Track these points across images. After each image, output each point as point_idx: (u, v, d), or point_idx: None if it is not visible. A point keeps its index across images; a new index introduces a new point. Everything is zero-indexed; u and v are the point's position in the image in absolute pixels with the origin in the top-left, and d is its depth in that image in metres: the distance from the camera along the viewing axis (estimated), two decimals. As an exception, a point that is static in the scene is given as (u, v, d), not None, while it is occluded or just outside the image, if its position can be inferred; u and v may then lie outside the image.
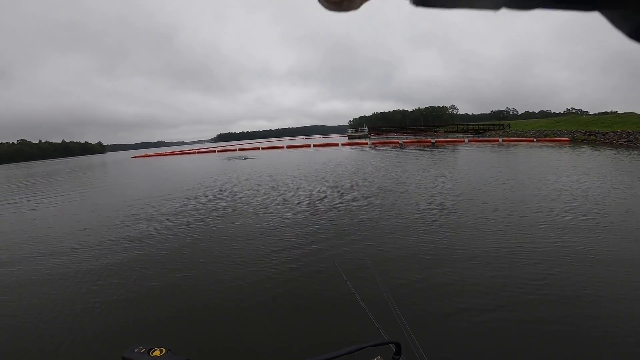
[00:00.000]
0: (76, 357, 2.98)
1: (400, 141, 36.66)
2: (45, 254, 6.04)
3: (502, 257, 4.50)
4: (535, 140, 30.48)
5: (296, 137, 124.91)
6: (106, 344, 3.13)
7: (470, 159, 18.03)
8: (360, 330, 2.95)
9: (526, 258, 4.44)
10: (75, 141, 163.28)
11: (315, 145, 43.65)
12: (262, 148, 46.74)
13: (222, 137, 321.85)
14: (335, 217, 7.17)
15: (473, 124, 61.28)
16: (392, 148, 29.94)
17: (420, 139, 41.36)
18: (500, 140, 31.98)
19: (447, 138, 40.71)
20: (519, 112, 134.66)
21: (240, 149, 48.54)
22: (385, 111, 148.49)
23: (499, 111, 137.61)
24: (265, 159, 28.07)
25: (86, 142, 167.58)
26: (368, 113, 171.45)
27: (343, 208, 7.96)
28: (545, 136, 32.68)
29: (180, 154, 52.50)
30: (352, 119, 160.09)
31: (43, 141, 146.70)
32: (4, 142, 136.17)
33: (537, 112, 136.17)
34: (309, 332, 3.18)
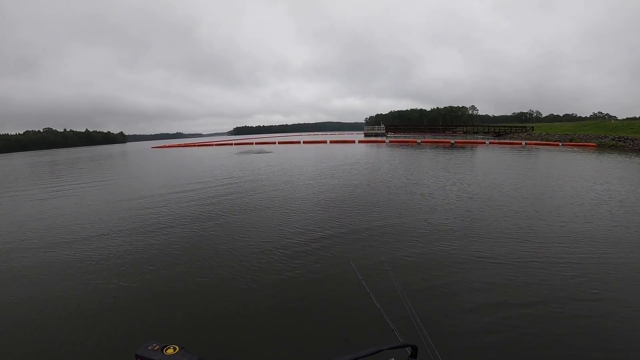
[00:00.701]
0: (89, 354, 2.98)
1: (419, 140, 36.15)
2: (58, 244, 6.14)
3: (532, 269, 4.36)
4: (560, 144, 29.47)
5: (312, 133, 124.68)
6: (120, 341, 3.12)
7: (494, 161, 17.61)
8: (374, 331, 2.80)
9: (559, 271, 4.28)
10: (98, 130, 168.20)
11: (331, 142, 43.58)
12: (279, 143, 47.01)
13: (238, 131, 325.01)
14: (353, 216, 7.14)
15: (494, 126, 59.72)
16: (410, 147, 29.57)
17: (439, 139, 40.64)
18: (523, 143, 31.06)
19: (466, 139, 39.84)
20: (543, 115, 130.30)
21: (256, 143, 48.95)
22: (403, 110, 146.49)
23: (521, 113, 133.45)
24: (282, 154, 28.22)
25: (109, 132, 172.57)
26: (385, 111, 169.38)
27: (361, 207, 7.92)
28: (571, 140, 31.52)
29: (198, 145, 53.42)
30: (368, 117, 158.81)
31: (68, 130, 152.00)
32: (30, 130, 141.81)
33: (561, 115, 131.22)
34: (323, 332, 3.15)
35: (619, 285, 3.82)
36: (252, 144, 48.70)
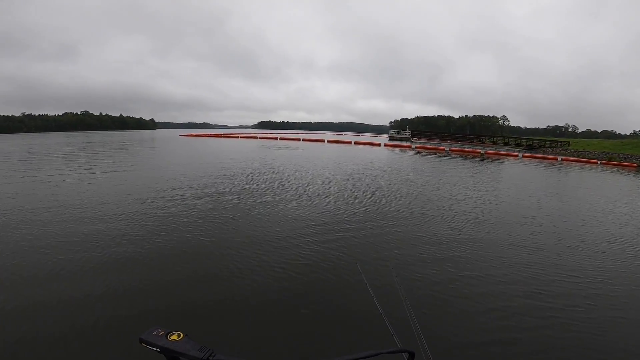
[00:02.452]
0: (95, 337, 3.03)
1: (446, 149, 35.27)
2: (76, 224, 6.38)
3: (542, 289, 4.23)
4: (599, 162, 27.91)
5: (335, 132, 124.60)
6: (125, 325, 3.18)
7: (530, 177, 16.85)
8: (374, 334, 2.93)
9: (572, 294, 4.06)
10: (131, 116, 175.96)
11: (356, 143, 43.31)
12: (303, 140, 47.20)
13: (263, 125, 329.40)
14: (371, 221, 7.09)
15: (526, 138, 57.40)
16: (437, 155, 28.89)
17: (467, 148, 39.47)
18: (559, 159, 29.66)
19: (496, 150, 38.49)
20: (579, 130, 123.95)
21: (281, 138, 49.38)
22: (429, 115, 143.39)
23: (556, 127, 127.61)
24: (307, 151, 28.29)
25: (141, 118, 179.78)
26: (410, 115, 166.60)
27: (381, 213, 7.83)
28: (610, 159, 29.76)
29: (224, 136, 54.47)
30: (393, 120, 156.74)
31: (103, 114, 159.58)
32: (69, 111, 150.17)
33: (599, 131, 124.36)
34: (324, 331, 3.21)
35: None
36: (276, 139, 49.19)
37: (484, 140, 61.72)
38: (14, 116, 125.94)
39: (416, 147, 37.32)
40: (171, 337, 1.02)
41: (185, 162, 17.56)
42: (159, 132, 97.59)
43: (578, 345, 3.14)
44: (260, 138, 50.52)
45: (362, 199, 9.25)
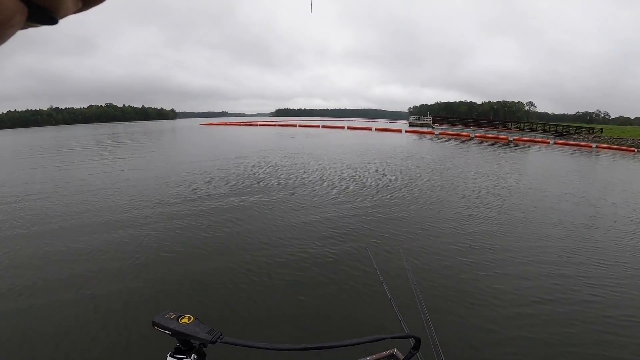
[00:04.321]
0: (109, 320, 3.09)
1: (472, 135, 34.08)
2: (95, 210, 6.62)
3: (560, 284, 3.97)
4: (635, 150, 26.31)
5: (353, 119, 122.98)
6: (139, 308, 3.26)
7: (570, 167, 16.01)
8: (382, 319, 2.98)
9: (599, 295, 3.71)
10: (152, 107, 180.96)
11: (377, 129, 42.57)
12: (322, 127, 46.81)
13: (280, 112, 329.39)
14: (386, 206, 7.01)
15: (555, 124, 54.72)
16: (463, 142, 27.97)
17: (491, 134, 38.02)
18: (593, 146, 28.15)
19: (524, 137, 36.90)
20: (611, 116, 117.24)
21: (300, 125, 49.16)
22: (450, 101, 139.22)
23: (586, 113, 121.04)
24: (327, 138, 28.05)
25: (161, 108, 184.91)
26: (430, 101, 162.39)
27: (400, 199, 7.68)
28: (649, 147, 27.96)
29: (243, 125, 54.77)
30: (412, 106, 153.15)
31: (126, 105, 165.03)
32: (93, 104, 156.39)
33: (632, 117, 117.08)
34: (332, 315, 3.22)
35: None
36: (295, 126, 48.99)
37: (509, 126, 59.36)
38: (42, 110, 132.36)
39: (439, 134, 36.25)
40: (182, 320, 1.07)
41: (208, 150, 17.75)
42: (180, 122, 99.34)
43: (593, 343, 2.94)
44: (279, 125, 50.46)
45: (379, 185, 9.09)
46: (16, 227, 5.57)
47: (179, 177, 9.71)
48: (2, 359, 2.60)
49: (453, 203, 7.45)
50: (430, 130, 41.89)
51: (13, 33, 0.13)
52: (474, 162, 14.97)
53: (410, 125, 55.78)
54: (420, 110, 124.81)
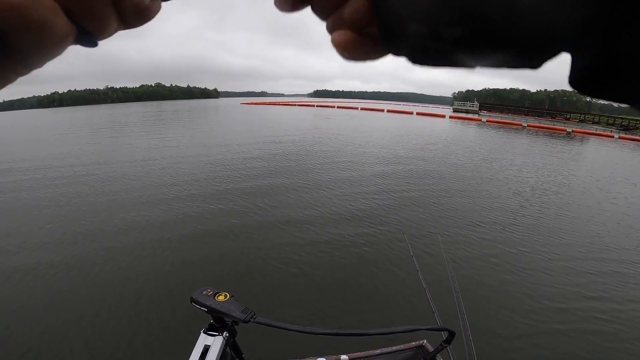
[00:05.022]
0: (149, 290, 3.20)
1: (524, 123, 31.52)
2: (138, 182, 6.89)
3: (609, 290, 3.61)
4: None
5: (393, 102, 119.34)
6: (178, 284, 3.32)
7: (634, 163, 14.35)
8: (414, 308, 2.88)
9: None
10: (197, 86, 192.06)
11: (418, 114, 40.86)
12: (361, 109, 45.82)
13: (318, 93, 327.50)
14: (429, 191, 6.84)
15: (621, 117, 48.97)
16: (512, 131, 25.98)
17: (546, 124, 34.88)
18: (668, 142, 24.89)
19: (583, 129, 33.47)
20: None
21: (338, 107, 48.50)
22: (499, 88, 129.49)
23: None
24: (366, 121, 27.43)
25: (205, 88, 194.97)
26: (476, 87, 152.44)
27: (442, 185, 7.43)
28: None
29: (282, 104, 55.18)
30: (456, 92, 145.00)
31: (173, 85, 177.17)
32: (145, 84, 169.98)
33: None
34: (363, 299, 3.16)
35: None
36: (333, 107, 48.42)
37: (568, 116, 54.19)
38: (99, 89, 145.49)
39: (487, 121, 33.96)
40: (218, 298, 1.12)
41: (250, 128, 18.10)
42: (222, 101, 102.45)
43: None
44: (317, 106, 50.19)
45: (420, 172, 8.77)
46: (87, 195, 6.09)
47: (218, 156, 10.05)
48: (54, 328, 2.73)
49: (502, 196, 6.98)
50: (476, 117, 39.37)
51: (62, 52, 0.14)
52: (526, 153, 13.88)
53: (455, 111, 52.80)
54: (466, 96, 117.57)
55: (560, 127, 30.95)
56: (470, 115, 41.40)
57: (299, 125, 19.98)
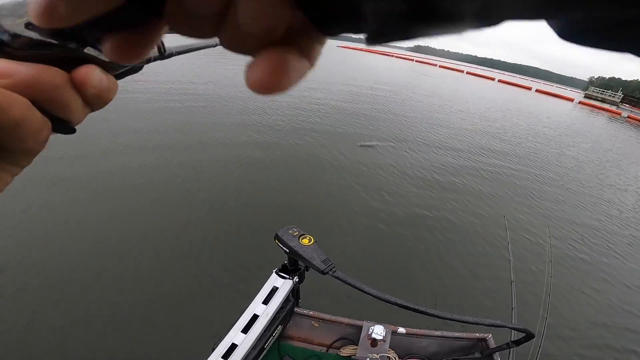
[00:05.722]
0: (238, 224, 3.01)
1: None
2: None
3: None
4: None
5: (507, 73, 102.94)
6: (266, 219, 3.11)
7: None
8: (493, 300, 2.52)
9: None
10: None
11: (537, 91, 34.26)
12: (467, 72, 40.30)
13: (419, 49, 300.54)
14: (545, 177, 6.01)
15: None
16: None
17: None
18: None
19: None
20: None
21: (440, 66, 43.49)
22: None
23: None
24: (473, 87, 23.85)
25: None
26: (627, 77, 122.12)
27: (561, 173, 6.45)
28: None
29: (378, 53, 51.27)
30: (596, 77, 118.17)
31: None
32: None
33: None
34: (443, 277, 2.81)
35: None
36: (435, 65, 43.58)
37: None
38: None
39: (628, 117, 26.78)
40: (303, 240, 1.05)
41: (345, 75, 17.10)
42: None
43: None
44: (416, 62, 45.63)
45: (533, 154, 7.48)
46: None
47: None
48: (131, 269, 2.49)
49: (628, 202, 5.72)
50: (614, 109, 31.35)
51: (44, 147, 0.15)
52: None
53: (586, 97, 43.02)
54: (608, 84, 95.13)
55: None
56: (606, 106, 33.23)
57: (398, 79, 18.22)
